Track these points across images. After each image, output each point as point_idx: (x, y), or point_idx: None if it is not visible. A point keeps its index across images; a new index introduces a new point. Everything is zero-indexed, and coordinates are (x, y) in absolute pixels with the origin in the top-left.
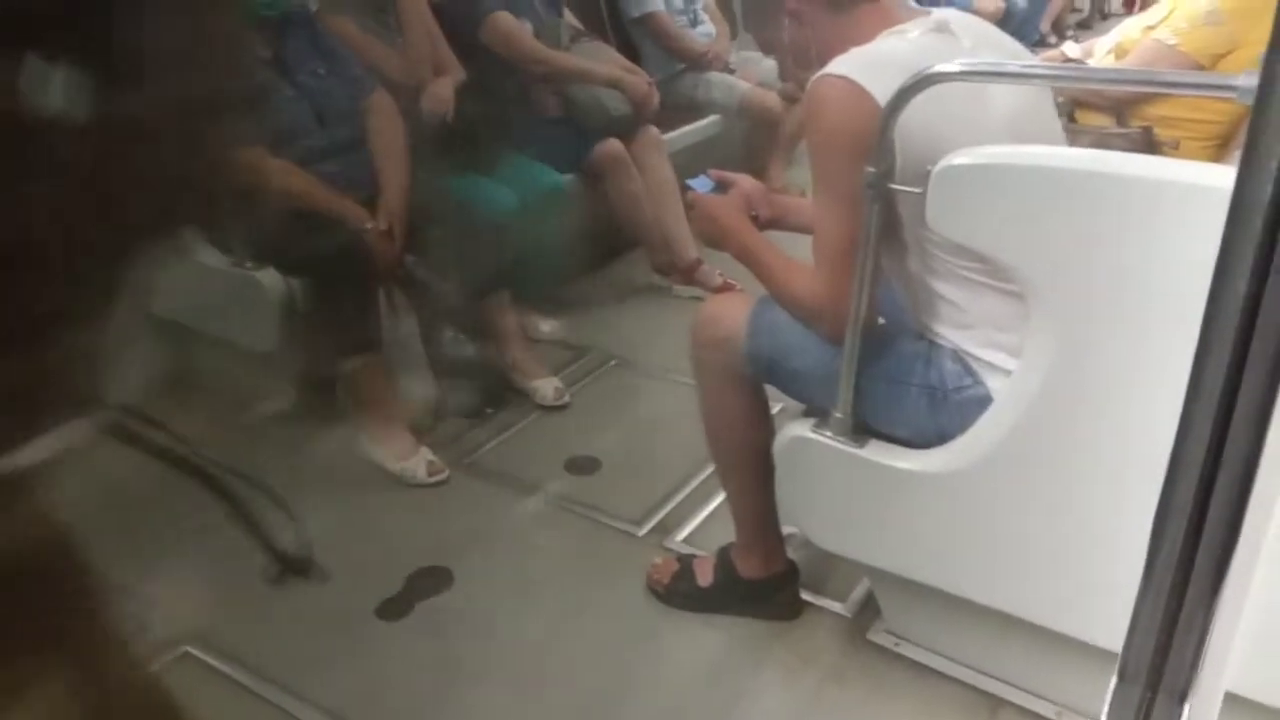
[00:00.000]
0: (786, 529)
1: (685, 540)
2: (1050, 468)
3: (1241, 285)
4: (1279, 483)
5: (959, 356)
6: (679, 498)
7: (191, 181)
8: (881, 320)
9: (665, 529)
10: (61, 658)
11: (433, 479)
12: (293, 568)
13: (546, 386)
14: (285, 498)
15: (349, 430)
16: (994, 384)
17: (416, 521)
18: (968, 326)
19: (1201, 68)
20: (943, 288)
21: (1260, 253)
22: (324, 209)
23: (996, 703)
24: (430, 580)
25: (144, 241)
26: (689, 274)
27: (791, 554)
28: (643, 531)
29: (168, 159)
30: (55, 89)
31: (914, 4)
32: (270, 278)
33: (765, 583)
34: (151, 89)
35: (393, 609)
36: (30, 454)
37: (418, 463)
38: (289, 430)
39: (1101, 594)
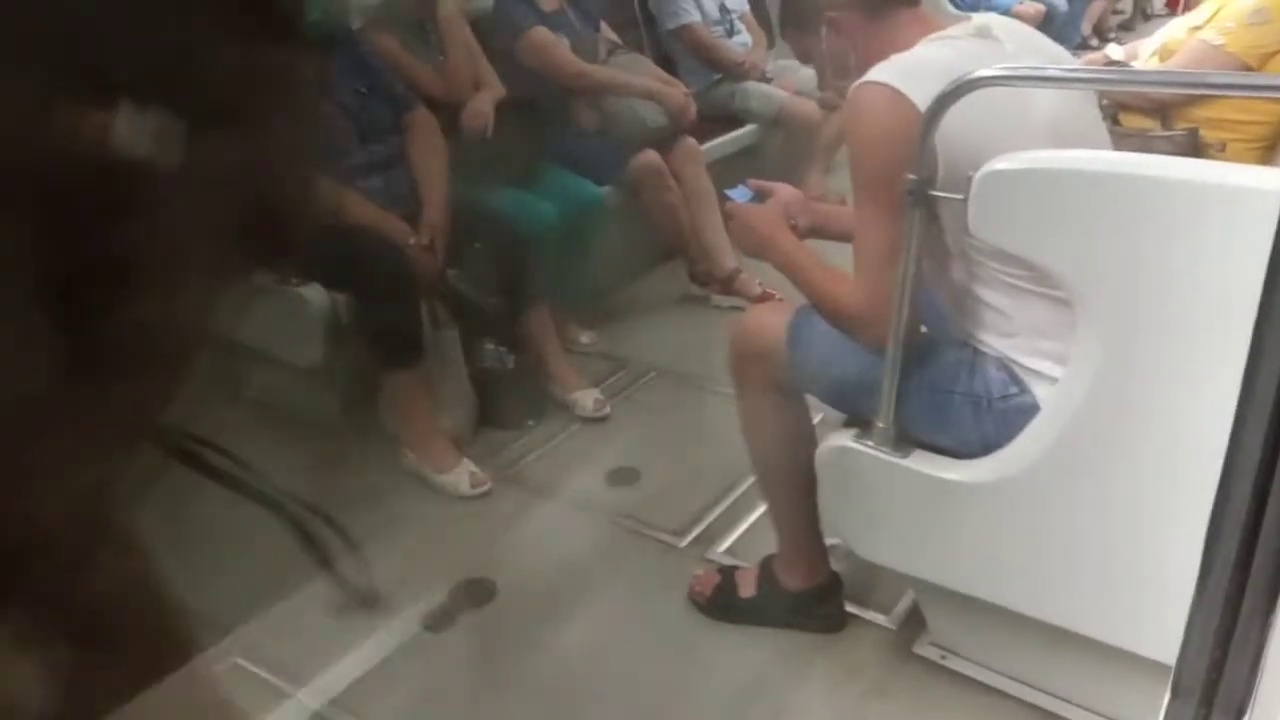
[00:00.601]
0: (829, 540)
1: (727, 551)
2: (1099, 477)
3: None
4: None
5: (1004, 364)
6: (720, 509)
7: (279, 221)
8: (924, 328)
9: (707, 540)
10: (130, 670)
11: (475, 491)
12: (360, 601)
13: (586, 398)
14: (347, 529)
15: (392, 443)
16: (1040, 392)
17: (459, 533)
18: (1013, 334)
19: (1249, 68)
20: (987, 295)
21: None
22: (367, 225)
23: (1046, 717)
24: (473, 592)
25: (231, 279)
26: (728, 284)
27: (835, 565)
28: (684, 543)
29: (257, 201)
30: (146, 134)
31: (953, 9)
32: (314, 293)
33: (808, 594)
34: (240, 132)
35: (437, 620)
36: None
37: (460, 475)
38: (333, 443)
39: (1153, 605)
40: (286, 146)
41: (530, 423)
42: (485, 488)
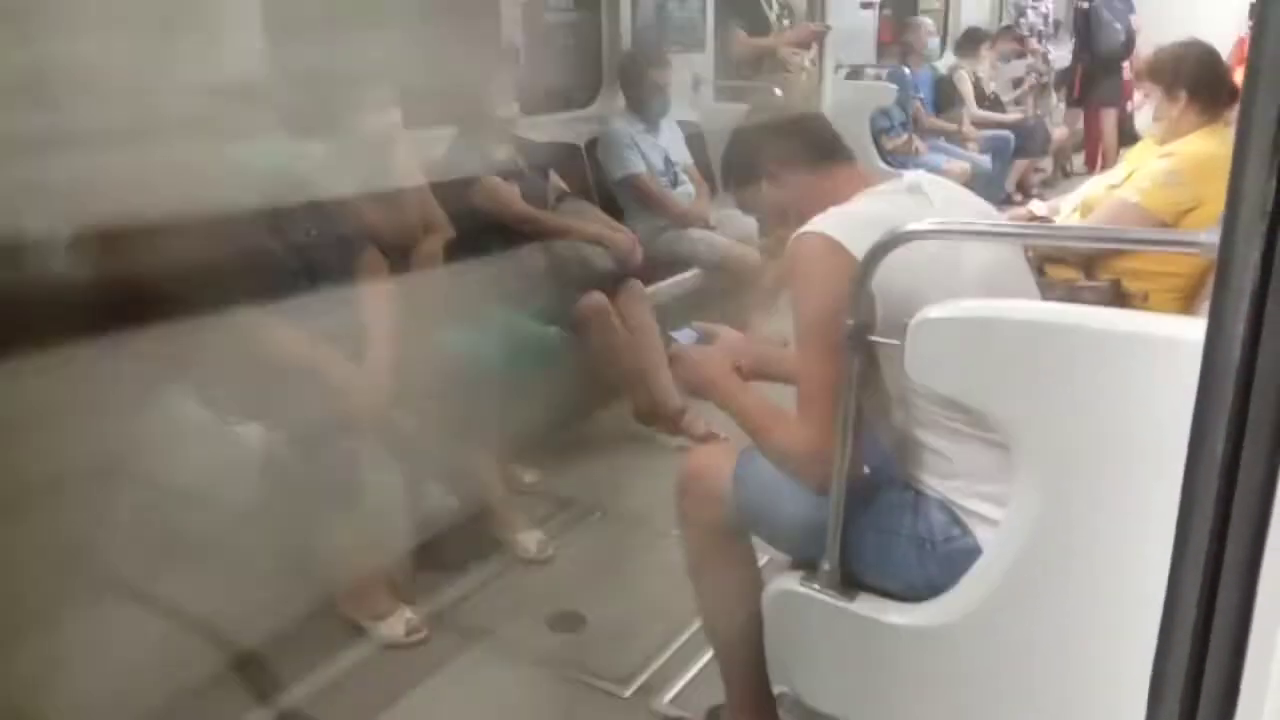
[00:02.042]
0: (777, 688)
1: (672, 701)
2: (1043, 619)
3: (1218, 447)
4: (1273, 643)
5: (946, 507)
6: (666, 655)
7: None
8: (867, 470)
9: (652, 689)
10: None
11: (411, 638)
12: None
13: (529, 539)
14: (276, 674)
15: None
16: (982, 534)
17: (394, 683)
18: (953, 476)
19: (1165, 224)
20: (927, 437)
21: (1234, 415)
22: (310, 365)
23: None
24: None
25: None
26: (674, 423)
27: (783, 715)
28: (629, 692)
29: None
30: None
31: (885, 167)
32: (253, 431)
33: None
34: None
35: None
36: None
37: (396, 622)
38: (267, 590)
39: None
40: None
41: (471, 565)
42: (421, 635)
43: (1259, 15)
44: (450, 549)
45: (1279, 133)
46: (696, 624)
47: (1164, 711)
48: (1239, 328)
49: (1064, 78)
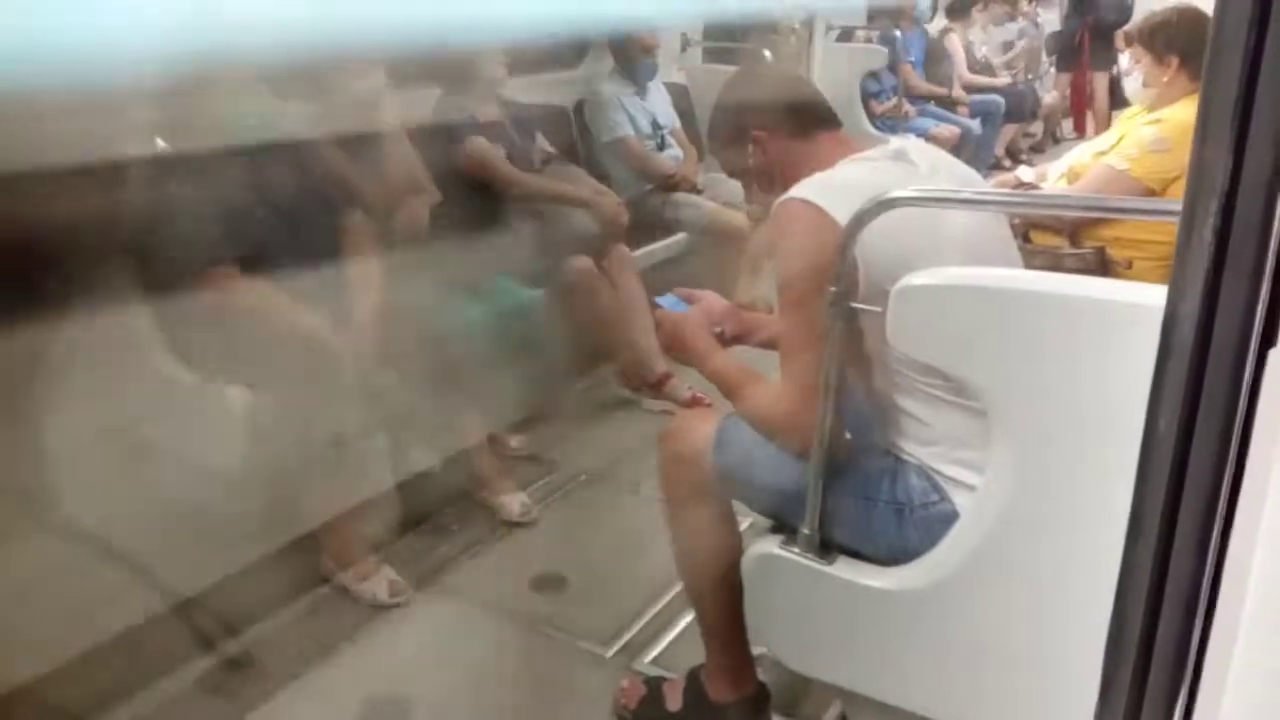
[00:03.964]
0: (757, 649)
1: (654, 661)
2: (1018, 584)
3: (1174, 415)
4: (1227, 615)
5: (925, 472)
6: (648, 616)
7: None
8: (848, 436)
9: (633, 649)
10: None
11: (394, 599)
12: (233, 665)
13: (513, 502)
14: (223, 611)
15: (309, 549)
16: (960, 500)
17: (376, 644)
18: (932, 442)
19: (1152, 192)
20: (907, 404)
21: (1189, 384)
22: (296, 328)
23: None
24: (391, 706)
25: None
26: (658, 388)
27: (762, 676)
28: (610, 652)
29: None
30: None
31: (873, 131)
32: (238, 393)
33: (735, 707)
34: None
35: None
36: None
37: (379, 582)
38: (249, 549)
39: (1080, 714)
40: None
41: (454, 527)
42: (405, 596)
43: None
44: (435, 512)
45: (1237, 106)
46: (678, 586)
47: (1118, 679)
48: (1196, 296)
49: (1054, 41)
